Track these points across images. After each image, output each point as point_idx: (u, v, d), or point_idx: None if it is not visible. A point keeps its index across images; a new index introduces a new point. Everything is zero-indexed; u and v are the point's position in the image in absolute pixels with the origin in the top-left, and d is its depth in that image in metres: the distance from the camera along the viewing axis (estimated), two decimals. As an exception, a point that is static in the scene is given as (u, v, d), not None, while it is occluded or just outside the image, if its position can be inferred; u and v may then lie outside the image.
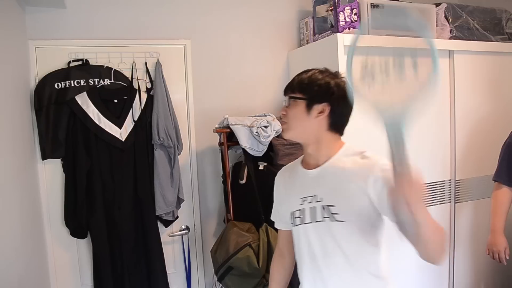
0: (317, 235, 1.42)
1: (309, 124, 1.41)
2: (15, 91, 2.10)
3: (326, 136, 1.43)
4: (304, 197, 1.45)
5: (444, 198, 2.80)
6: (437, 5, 2.78)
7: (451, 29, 2.76)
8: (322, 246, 1.41)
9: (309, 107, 1.40)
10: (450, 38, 2.75)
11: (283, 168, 1.68)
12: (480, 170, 2.87)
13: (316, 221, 1.40)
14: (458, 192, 2.82)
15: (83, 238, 2.50)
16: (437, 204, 2.78)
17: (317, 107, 1.39)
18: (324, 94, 1.39)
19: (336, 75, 1.46)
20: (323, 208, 1.39)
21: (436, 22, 2.75)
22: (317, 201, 1.41)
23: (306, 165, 1.50)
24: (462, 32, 2.79)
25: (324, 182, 1.42)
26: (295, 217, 1.48)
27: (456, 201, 2.82)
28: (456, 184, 2.81)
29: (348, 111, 1.43)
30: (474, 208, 2.89)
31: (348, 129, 1.49)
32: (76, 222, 2.46)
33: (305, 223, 1.44)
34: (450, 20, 2.76)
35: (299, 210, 1.46)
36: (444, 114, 2.77)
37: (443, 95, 2.75)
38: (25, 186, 2.17)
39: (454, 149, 2.78)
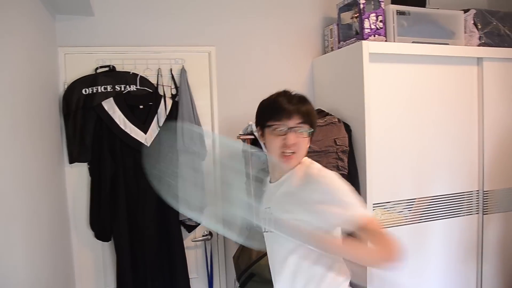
0: (272, 244, 1.62)
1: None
2: (45, 96, 2.16)
3: None
4: (266, 207, 1.60)
5: (471, 209, 2.74)
6: (466, 11, 2.72)
7: (480, 36, 2.70)
8: (274, 254, 1.62)
9: (311, 137, 1.55)
10: (479, 45, 2.70)
11: None
12: (509, 181, 2.79)
13: (273, 230, 1.55)
14: (487, 204, 2.75)
15: (107, 241, 2.54)
16: (464, 215, 2.72)
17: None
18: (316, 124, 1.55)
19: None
20: (274, 219, 1.53)
21: (465, 28, 2.69)
22: (272, 213, 1.55)
23: (272, 177, 1.65)
24: (491, 38, 2.73)
25: (275, 194, 1.57)
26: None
27: (484, 213, 2.74)
28: (484, 195, 2.74)
29: None
30: (503, 220, 2.81)
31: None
32: (100, 225, 2.49)
33: (266, 232, 1.63)
34: (479, 26, 2.70)
35: (263, 219, 1.61)
36: (472, 123, 2.71)
37: (471, 104, 2.69)
38: (53, 189, 2.21)
39: (482, 159, 2.72)
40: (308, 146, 1.54)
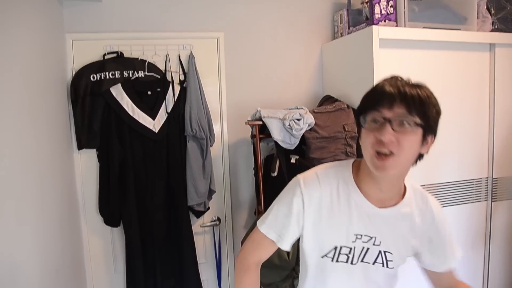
0: (360, 277, 1.27)
1: (413, 158, 1.16)
2: (53, 82, 2.16)
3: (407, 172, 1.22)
4: (360, 235, 1.24)
5: (480, 196, 2.72)
6: (478, -5, 2.68)
7: (493, 21, 2.65)
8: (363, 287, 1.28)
9: (424, 137, 1.13)
10: (492, 31, 2.66)
11: (327, 178, 1.27)
12: (519, 168, 2.77)
13: (363, 262, 1.26)
14: (496, 191, 2.73)
15: (116, 226, 2.56)
16: (473, 202, 2.71)
17: (430, 139, 1.15)
18: (438, 122, 1.16)
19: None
20: (380, 253, 1.25)
21: (477, 14, 2.64)
22: (374, 244, 1.24)
23: (369, 196, 1.23)
24: (505, 24, 2.68)
25: (388, 225, 1.24)
26: (341, 253, 1.25)
27: (493, 200, 2.73)
28: (494, 182, 2.72)
29: None
30: (512, 207, 2.80)
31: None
32: (109, 211, 2.52)
33: (352, 264, 1.25)
34: (493, 11, 2.66)
35: (349, 248, 1.24)
36: (482, 110, 2.68)
37: (482, 90, 2.66)
38: (62, 175, 2.23)
39: (492, 146, 2.69)
40: (425, 151, 1.17)
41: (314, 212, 1.25)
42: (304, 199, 1.24)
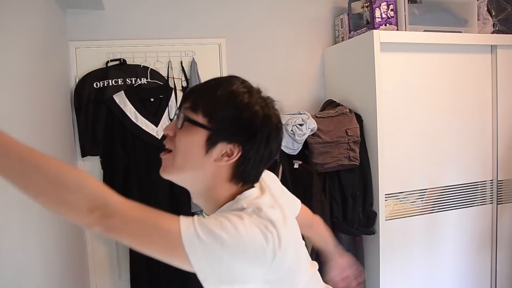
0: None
1: (205, 167, 0.96)
2: (57, 90, 2.17)
3: (222, 187, 0.99)
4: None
5: (485, 199, 2.71)
6: (479, -2, 2.68)
7: (494, 23, 2.66)
8: None
9: (210, 142, 0.94)
10: (493, 33, 2.66)
11: None
12: (524, 170, 2.76)
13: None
14: (501, 193, 2.72)
15: (121, 234, 2.55)
16: (478, 205, 2.69)
17: (223, 146, 0.94)
18: (235, 128, 0.94)
19: (266, 100, 1.01)
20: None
21: (478, 16, 2.65)
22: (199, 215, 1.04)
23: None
24: (506, 25, 2.68)
25: None
26: None
27: (499, 202, 2.71)
28: (499, 184, 2.70)
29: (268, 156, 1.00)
30: (518, 209, 2.78)
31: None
32: (114, 218, 2.51)
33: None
34: (493, 13, 2.66)
35: None
36: (485, 112, 2.67)
37: (485, 92, 2.66)
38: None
39: (496, 148, 2.68)
40: (221, 162, 0.95)
41: None
42: None
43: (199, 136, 0.93)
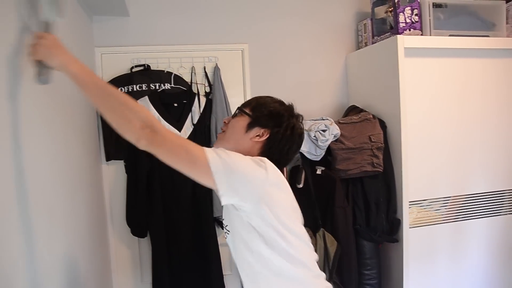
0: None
1: (243, 142, 1.40)
2: (83, 96, 2.20)
3: None
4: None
5: (513, 207, 2.64)
6: (508, 0, 2.62)
7: (523, 27, 2.60)
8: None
9: (250, 125, 1.40)
10: (522, 37, 2.60)
11: None
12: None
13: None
14: (530, 202, 2.65)
15: (143, 237, 2.58)
16: (506, 214, 2.62)
17: (257, 130, 1.39)
18: (266, 119, 1.40)
19: (292, 109, 1.46)
20: (223, 224, 1.48)
21: (507, 19, 2.59)
22: (222, 219, 1.51)
23: None
24: (536, 29, 2.62)
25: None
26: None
27: (528, 211, 2.64)
28: (528, 193, 2.64)
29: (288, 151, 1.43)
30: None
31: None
32: (137, 221, 2.54)
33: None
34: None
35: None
36: (513, 118, 2.60)
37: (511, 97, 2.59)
38: (91, 187, 2.27)
39: (524, 156, 2.61)
40: (254, 140, 1.38)
41: None
42: None
43: (243, 121, 1.41)
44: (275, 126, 1.38)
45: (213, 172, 1.16)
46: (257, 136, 1.37)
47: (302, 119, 1.47)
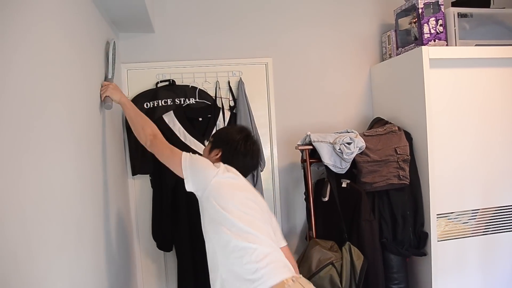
0: None
1: (209, 159, 1.85)
2: (110, 111, 2.25)
3: None
4: None
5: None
6: (536, 9, 2.58)
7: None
8: None
9: (211, 148, 1.90)
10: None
11: None
12: None
13: None
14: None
15: (169, 251, 2.60)
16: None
17: (216, 150, 1.88)
18: (221, 143, 1.88)
19: (245, 134, 1.91)
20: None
21: (533, 29, 2.55)
22: None
23: None
24: None
25: None
26: None
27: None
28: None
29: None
30: None
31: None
32: (162, 236, 2.56)
33: None
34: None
35: None
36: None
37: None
38: (117, 201, 2.29)
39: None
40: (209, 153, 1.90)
41: None
42: None
43: (209, 146, 1.92)
44: (224, 147, 1.86)
45: (182, 165, 1.69)
46: (216, 154, 1.87)
47: (254, 144, 1.90)
